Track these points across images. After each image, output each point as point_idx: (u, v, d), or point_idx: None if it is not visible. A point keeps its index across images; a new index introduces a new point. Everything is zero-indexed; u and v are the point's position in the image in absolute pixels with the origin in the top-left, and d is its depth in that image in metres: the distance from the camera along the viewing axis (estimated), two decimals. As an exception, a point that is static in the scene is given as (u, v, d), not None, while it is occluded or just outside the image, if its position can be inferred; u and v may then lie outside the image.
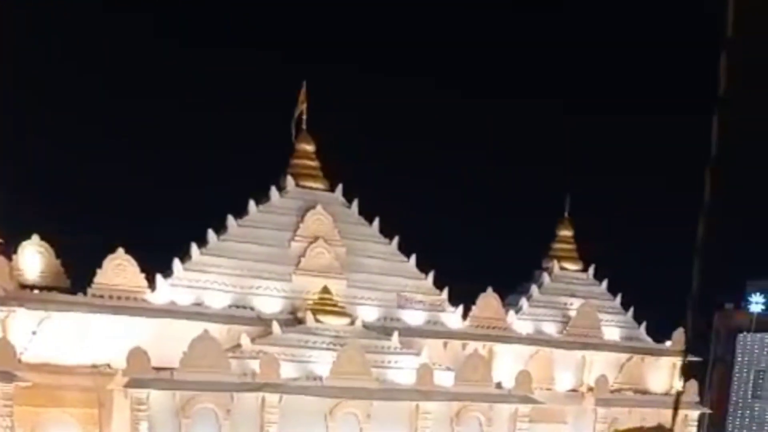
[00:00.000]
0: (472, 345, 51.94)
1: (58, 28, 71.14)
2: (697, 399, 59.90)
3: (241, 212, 48.99)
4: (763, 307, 79.39)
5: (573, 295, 58.10)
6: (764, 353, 75.55)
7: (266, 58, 76.18)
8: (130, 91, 73.73)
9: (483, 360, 50.61)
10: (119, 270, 44.54)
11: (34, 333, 42.59)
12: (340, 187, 51.01)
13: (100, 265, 44.43)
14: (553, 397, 54.08)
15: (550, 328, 56.70)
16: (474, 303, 53.60)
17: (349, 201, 51.20)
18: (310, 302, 47.83)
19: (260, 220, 48.94)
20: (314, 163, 51.11)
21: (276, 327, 45.76)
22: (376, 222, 51.61)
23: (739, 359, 77.33)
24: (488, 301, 53.91)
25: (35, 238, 44.64)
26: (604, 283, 60.10)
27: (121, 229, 53.00)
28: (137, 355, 41.35)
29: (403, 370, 47.55)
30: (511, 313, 55.82)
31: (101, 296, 43.83)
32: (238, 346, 45.03)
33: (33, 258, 44.53)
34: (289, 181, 50.04)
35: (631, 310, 59.98)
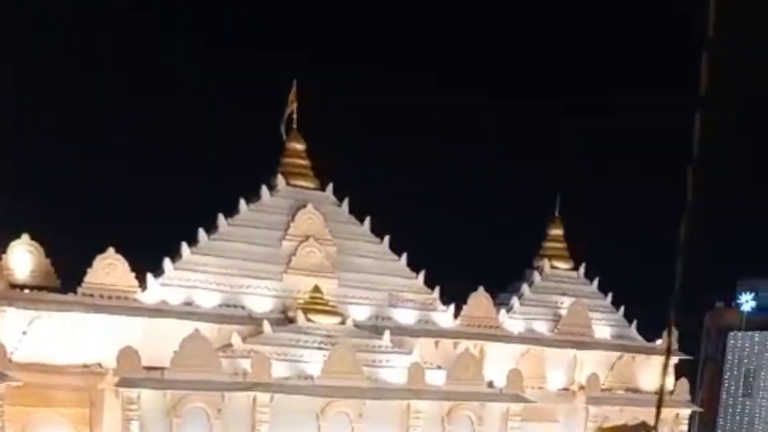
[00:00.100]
0: (464, 344, 51.92)
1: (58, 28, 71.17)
2: (688, 397, 60.02)
3: (231, 211, 48.93)
4: (753, 305, 79.58)
5: (564, 294, 58.15)
6: (755, 352, 75.71)
7: (259, 56, 76.18)
8: (122, 91, 73.68)
9: (474, 359, 50.61)
10: (110, 269, 44.41)
11: (24, 333, 42.41)
12: (330, 186, 51.00)
13: (90, 265, 44.31)
14: (545, 396, 54.09)
15: (542, 327, 56.73)
16: (465, 302, 53.58)
17: (340, 200, 51.18)
18: (301, 301, 47.76)
19: (251, 219, 48.88)
20: (305, 162, 51.08)
21: (267, 326, 45.69)
22: (367, 221, 51.62)
23: (730, 358, 77.49)
24: (479, 300, 53.92)
25: (25, 237, 44.43)
26: (595, 282, 60.17)
27: (112, 228, 52.92)
28: (128, 354, 41.22)
29: (394, 369, 47.49)
30: (503, 312, 55.83)
31: (92, 296, 43.66)
32: (229, 345, 44.94)
33: (23, 257, 44.33)
34: (280, 180, 50.01)
35: (622, 308, 60.05)
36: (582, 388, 55.86)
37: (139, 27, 75.59)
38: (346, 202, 51.13)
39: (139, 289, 45.01)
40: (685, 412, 59.45)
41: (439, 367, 49.29)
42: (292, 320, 47.00)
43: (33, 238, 44.54)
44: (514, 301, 56.87)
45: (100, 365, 42.92)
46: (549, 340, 56.32)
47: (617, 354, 57.90)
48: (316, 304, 47.65)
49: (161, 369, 42.00)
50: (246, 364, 43.79)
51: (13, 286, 43.07)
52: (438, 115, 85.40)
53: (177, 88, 75.00)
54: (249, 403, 43.64)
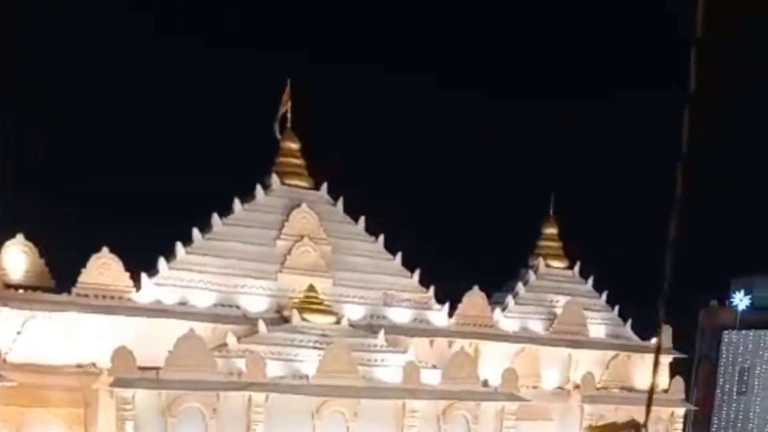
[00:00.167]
0: (459, 343, 51.91)
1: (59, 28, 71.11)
2: (683, 396, 60.06)
3: (226, 211, 48.91)
4: (747, 304, 79.71)
5: (559, 293, 58.18)
6: (749, 350, 75.84)
7: (258, 56, 76.12)
8: (121, 91, 73.57)
9: (469, 358, 50.60)
10: (104, 269, 44.33)
11: (18, 333, 42.34)
12: (325, 186, 50.98)
13: (84, 265, 44.24)
14: (540, 395, 54.12)
15: (536, 326, 56.75)
16: (460, 301, 53.55)
17: (335, 199, 51.16)
18: (296, 301, 47.73)
19: (245, 219, 48.87)
20: (299, 162, 51.06)
21: (262, 326, 45.65)
22: (362, 220, 51.61)
23: (724, 356, 77.60)
24: (474, 299, 53.89)
25: (19, 237, 44.29)
26: (590, 281, 60.21)
27: (106, 228, 52.86)
28: (122, 354, 41.13)
29: (389, 369, 47.48)
30: (498, 311, 55.84)
31: (86, 296, 43.59)
32: (224, 345, 44.89)
33: (17, 257, 44.20)
34: (275, 179, 49.99)
35: (617, 307, 60.12)
36: (577, 387, 55.87)
37: (139, 27, 75.52)
38: (340, 202, 51.13)
39: (133, 289, 44.94)
40: (680, 410, 59.45)
41: (434, 367, 49.27)
42: (287, 320, 46.97)
43: (27, 238, 44.41)
44: (509, 300, 56.90)
45: (94, 365, 42.84)
46: (544, 339, 56.33)
47: (612, 353, 57.91)
48: (310, 304, 47.60)
49: (156, 369, 41.90)
50: (241, 363, 43.74)
51: (8, 286, 42.93)
52: (433, 115, 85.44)
53: (176, 89, 74.99)
54: (244, 402, 43.58)
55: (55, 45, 71.13)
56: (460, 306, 53.38)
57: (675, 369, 60.43)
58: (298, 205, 49.35)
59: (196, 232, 47.38)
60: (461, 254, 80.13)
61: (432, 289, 52.52)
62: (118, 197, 69.49)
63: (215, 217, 48.11)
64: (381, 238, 51.83)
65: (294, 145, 50.77)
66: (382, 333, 48.41)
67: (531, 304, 57.37)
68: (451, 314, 52.92)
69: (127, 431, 41.12)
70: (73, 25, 70.98)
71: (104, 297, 43.84)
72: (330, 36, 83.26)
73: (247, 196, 49.70)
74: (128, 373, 41.14)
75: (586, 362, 56.95)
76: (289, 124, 50.57)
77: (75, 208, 62.97)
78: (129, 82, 74.93)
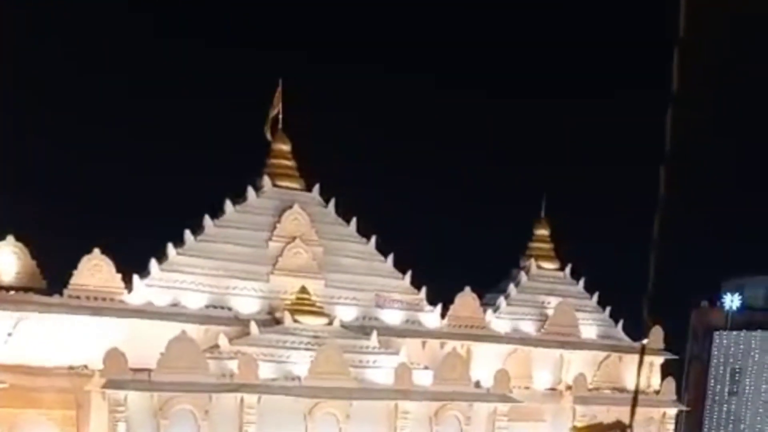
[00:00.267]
0: (451, 344, 51.93)
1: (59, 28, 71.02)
2: (675, 397, 60.19)
3: (217, 212, 48.84)
4: (738, 305, 79.85)
5: (550, 294, 58.23)
6: (740, 351, 75.95)
7: (249, 55, 76.02)
8: (119, 91, 73.44)
9: (461, 359, 50.62)
10: (95, 270, 44.29)
11: (9, 334, 42.30)
12: (317, 187, 50.94)
13: (76, 266, 44.17)
14: (532, 396, 54.18)
15: (528, 327, 56.77)
16: (452, 302, 53.56)
17: (326, 201, 51.12)
18: (288, 302, 47.72)
19: (237, 220, 48.82)
20: (291, 163, 51.04)
21: (254, 327, 45.61)
22: (353, 222, 51.58)
23: (716, 357, 77.72)
24: (466, 300, 53.91)
25: (10, 238, 44.14)
26: (581, 282, 60.25)
27: (97, 229, 52.65)
28: (114, 356, 41.11)
29: (381, 370, 47.48)
30: (489, 312, 55.86)
31: (77, 297, 43.57)
32: (216, 346, 44.88)
33: (8, 259, 44.05)
34: (266, 181, 49.95)
35: (608, 308, 60.17)
36: (569, 387, 55.94)
37: (139, 27, 75.38)
38: (332, 203, 51.11)
39: (125, 291, 44.91)
40: (672, 411, 59.62)
41: (426, 368, 49.28)
42: (279, 321, 46.93)
43: (18, 239, 44.27)
44: (501, 301, 56.92)
45: (86, 367, 42.77)
46: (536, 340, 56.35)
47: (604, 354, 57.97)
48: (302, 305, 47.58)
49: (148, 370, 41.89)
50: (233, 365, 43.72)
51: (-1, 287, 42.93)
52: (426, 117, 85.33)
53: (171, 89, 74.83)
54: (236, 404, 43.58)
55: (55, 45, 70.97)
56: (452, 307, 53.42)
57: (667, 370, 60.56)
58: (290, 207, 49.31)
59: (187, 233, 47.32)
60: (453, 256, 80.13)
61: (424, 290, 52.55)
62: (109, 199, 69.36)
63: (207, 218, 48.06)
64: (373, 239, 51.83)
65: (285, 147, 50.73)
66: (374, 334, 48.40)
67: (523, 306, 57.38)
68: (443, 315, 52.97)
69: (119, 433, 41.21)
70: (73, 25, 70.93)
71: (96, 298, 43.79)
72: (323, 36, 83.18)
73: (239, 197, 49.64)
74: (120, 374, 41.11)
75: (578, 363, 57.02)
76: (280, 126, 50.48)
77: (66, 209, 62.83)
78: (128, 82, 74.87)
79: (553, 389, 56.47)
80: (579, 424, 54.54)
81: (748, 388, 75.17)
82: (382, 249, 52.17)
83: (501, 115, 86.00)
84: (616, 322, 59.98)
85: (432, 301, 52.81)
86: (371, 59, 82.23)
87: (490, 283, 59.78)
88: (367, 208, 53.02)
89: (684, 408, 63.74)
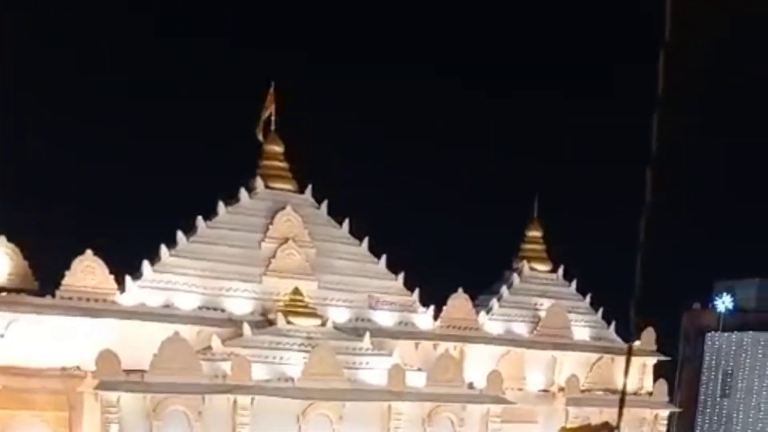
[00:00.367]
0: (444, 346, 51.91)
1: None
2: (667, 398, 60.26)
3: (210, 214, 48.73)
4: (730, 306, 79.92)
5: (543, 296, 58.26)
6: (732, 352, 76.03)
7: (237, 54, 75.90)
8: (118, 91, 73.29)
9: (454, 360, 50.65)
10: (88, 271, 44.16)
11: (1, 336, 42.14)
12: (309, 189, 50.86)
13: (68, 267, 44.05)
14: (525, 397, 54.18)
15: (521, 329, 56.78)
16: (445, 304, 53.57)
17: (319, 202, 51.06)
18: (281, 303, 47.65)
19: (230, 222, 48.72)
20: (283, 165, 50.95)
21: (247, 328, 45.53)
22: (346, 223, 51.54)
23: (708, 358, 77.78)
24: (459, 301, 53.91)
25: (2, 239, 43.92)
26: (574, 284, 60.27)
27: (90, 230, 52.43)
28: (107, 357, 41.03)
29: (374, 371, 47.48)
30: (482, 313, 55.88)
31: (70, 298, 43.44)
32: (209, 347, 44.81)
33: (0, 260, 43.97)
34: (259, 182, 49.85)
35: (601, 310, 60.19)
36: (561, 389, 56.00)
37: (139, 27, 75.18)
38: (324, 205, 51.02)
39: (117, 292, 44.78)
40: (664, 412, 59.70)
41: (420, 369, 49.31)
42: (271, 322, 46.85)
43: (10, 240, 44.14)
44: (494, 302, 56.93)
45: (78, 368, 42.63)
46: (528, 341, 56.38)
47: (596, 355, 58.02)
48: (295, 307, 47.53)
49: (141, 372, 41.84)
50: (226, 366, 43.67)
51: (-9, 288, 42.80)
52: (420, 117, 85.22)
53: (169, 89, 74.63)
54: (229, 405, 43.55)
55: (55, 45, 70.78)
56: (444, 309, 53.42)
57: (659, 371, 60.61)
58: (283, 208, 49.25)
59: (180, 234, 47.21)
60: (446, 257, 79.95)
61: (417, 291, 52.51)
62: (101, 200, 69.11)
63: (199, 219, 47.93)
64: (365, 241, 51.77)
65: (278, 148, 50.65)
66: (367, 336, 48.38)
67: (515, 307, 57.39)
68: (435, 317, 52.98)
69: (111, 434, 41.10)
70: (74, 25, 70.83)
71: (88, 299, 43.67)
72: (319, 36, 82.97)
73: (231, 198, 49.55)
74: (113, 376, 41.05)
75: (571, 365, 57.07)
76: (273, 127, 50.41)
77: (58, 210, 62.59)
78: (125, 83, 74.63)
79: (545, 391, 56.51)
80: (567, 426, 54.63)
81: (740, 389, 75.22)
82: (375, 250, 52.12)
83: (494, 115, 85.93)
84: (609, 323, 60.00)
85: (425, 302, 52.81)
86: (365, 59, 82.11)
87: (483, 285, 59.80)
88: (360, 210, 53.03)
89: (676, 409, 63.81)
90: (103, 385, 40.93)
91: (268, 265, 48.48)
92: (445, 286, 54.57)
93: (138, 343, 42.69)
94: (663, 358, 60.60)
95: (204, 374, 43.13)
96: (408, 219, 77.03)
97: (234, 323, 46.29)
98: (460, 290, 54.10)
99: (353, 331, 49.15)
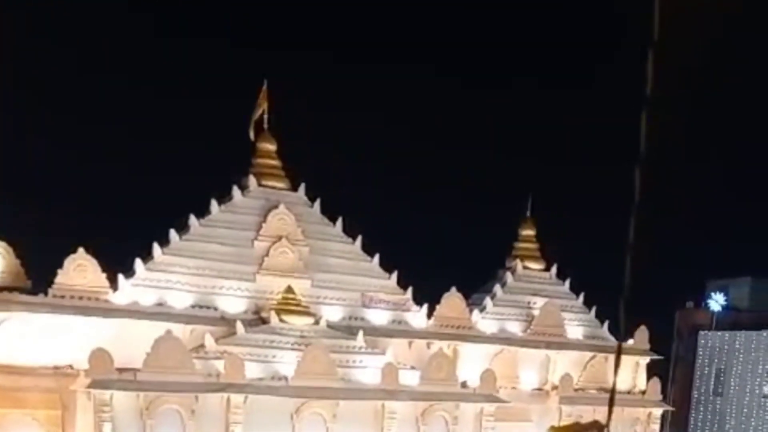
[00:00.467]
0: (437, 344, 51.82)
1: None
2: (660, 397, 60.31)
3: (203, 212, 48.65)
4: (723, 305, 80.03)
5: (536, 295, 58.23)
6: (725, 351, 76.09)
7: (234, 53, 75.88)
8: (119, 91, 73.24)
9: (448, 359, 50.59)
10: (80, 270, 43.98)
11: (-6, 334, 42.06)
12: (302, 187, 50.78)
13: (60, 266, 43.90)
14: (518, 396, 54.13)
15: (514, 327, 56.76)
16: (438, 302, 53.52)
17: (312, 200, 50.99)
18: (274, 302, 47.54)
19: (223, 220, 48.60)
20: (276, 163, 50.84)
21: (240, 327, 45.43)
22: (339, 221, 51.46)
23: (701, 357, 77.84)
24: (452, 300, 53.85)
25: (-6, 238, 43.98)
26: (567, 283, 60.29)
27: (82, 228, 52.25)
28: (100, 356, 40.89)
29: (368, 370, 47.40)
30: (476, 312, 55.83)
31: (62, 297, 43.20)
32: (202, 346, 44.68)
33: (-7, 258, 43.91)
34: (252, 180, 49.75)
35: (594, 308, 60.21)
36: (555, 388, 56.00)
37: (139, 27, 75.10)
38: (318, 203, 50.93)
39: (110, 290, 44.61)
40: (657, 411, 59.76)
41: (413, 368, 49.25)
42: (265, 321, 46.76)
43: (2, 238, 43.97)
44: (487, 301, 56.88)
45: (71, 367, 42.52)
46: (522, 340, 56.35)
47: (590, 354, 58.00)
48: (289, 305, 47.44)
49: (134, 370, 41.71)
50: (219, 365, 43.57)
51: (-17, 287, 42.63)
52: (413, 115, 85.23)
53: (163, 88, 74.63)
54: (222, 404, 43.44)
55: (55, 44, 70.66)
56: (438, 307, 53.33)
57: (652, 370, 60.64)
58: (276, 207, 49.14)
59: (173, 233, 47.08)
60: (439, 256, 79.98)
61: (410, 290, 52.44)
62: (94, 198, 69.04)
63: (192, 218, 47.82)
64: (359, 239, 51.70)
65: (271, 147, 50.57)
66: (360, 334, 48.30)
67: (509, 306, 57.38)
68: (429, 316, 52.88)
69: (104, 433, 40.99)
70: (73, 24, 70.77)
71: (81, 298, 43.50)
72: (316, 36, 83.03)
73: (224, 197, 49.47)
74: (106, 374, 40.90)
75: (564, 363, 57.06)
76: (266, 126, 50.34)
77: (50, 208, 62.50)
78: (122, 83, 74.62)
79: (539, 389, 56.50)
80: (556, 425, 54.63)
81: (733, 388, 75.28)
82: (368, 249, 52.08)
83: (488, 114, 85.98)
84: (602, 322, 60.00)
85: (418, 301, 52.72)
86: (358, 57, 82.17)
87: (477, 284, 59.87)
88: (354, 208, 53.01)
89: (669, 408, 63.90)
90: (96, 384, 40.78)
91: (262, 264, 48.37)
92: (439, 285, 54.60)
93: (131, 342, 42.54)
94: (656, 356, 60.66)
95: (197, 373, 42.99)
96: (401, 217, 77.08)
97: (227, 322, 46.18)
98: (454, 289, 54.03)
99: (347, 329, 49.05)
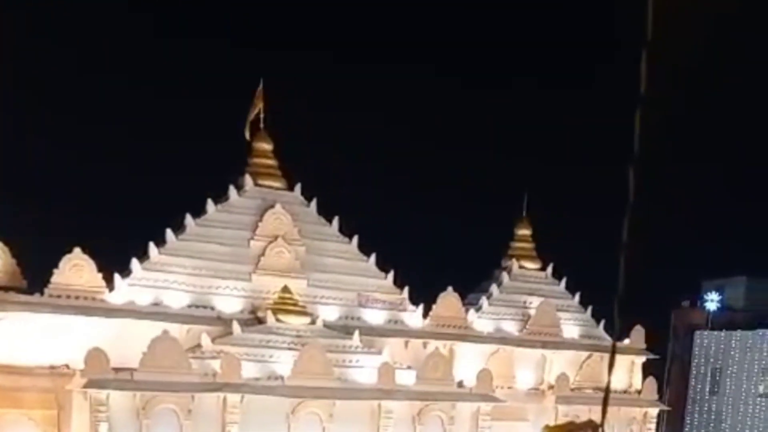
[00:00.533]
0: (433, 344, 51.80)
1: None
2: (656, 396, 60.33)
3: (199, 212, 48.64)
4: (718, 305, 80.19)
5: (532, 294, 58.22)
6: (721, 350, 76.23)
7: (231, 53, 75.92)
8: (119, 90, 73.25)
9: (444, 359, 50.56)
10: (76, 270, 43.98)
11: (-11, 334, 42.04)
12: (298, 187, 50.78)
13: (57, 265, 43.87)
14: (514, 396, 54.13)
15: (510, 327, 56.77)
16: (434, 302, 53.51)
17: (308, 200, 50.98)
18: (271, 302, 47.50)
19: (219, 220, 48.60)
20: (272, 162, 50.86)
21: (236, 327, 45.41)
22: (336, 221, 51.46)
23: (697, 356, 78.01)
24: (448, 300, 53.84)
25: (-9, 238, 43.96)
26: (563, 282, 60.29)
27: (79, 228, 52.29)
28: (96, 355, 40.85)
29: (364, 370, 47.38)
30: (472, 311, 55.85)
31: (58, 296, 43.21)
32: (199, 346, 44.68)
33: (-11, 258, 43.89)
34: (248, 180, 49.76)
35: (590, 308, 60.22)
36: (551, 387, 55.98)
37: (139, 27, 75.16)
38: (314, 203, 50.94)
39: (106, 290, 44.61)
40: (654, 411, 59.74)
41: (409, 367, 49.22)
42: (261, 321, 46.75)
43: (-1, 238, 44.03)
44: (483, 301, 56.87)
45: (67, 366, 42.49)
46: (518, 339, 56.32)
47: (586, 353, 57.96)
48: (285, 305, 47.42)
49: (130, 370, 41.68)
50: (216, 364, 43.55)
51: (-21, 287, 42.61)
52: (410, 115, 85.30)
53: (160, 88, 74.67)
54: (219, 403, 43.42)
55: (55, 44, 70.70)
56: (434, 307, 53.34)
57: (648, 369, 60.68)
58: (272, 206, 49.13)
59: (169, 233, 47.06)
60: (435, 256, 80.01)
61: (406, 290, 52.43)
62: (91, 198, 69.05)
63: (188, 217, 47.84)
64: (355, 239, 51.70)
65: (267, 146, 50.57)
66: (356, 334, 48.30)
67: (505, 305, 57.37)
68: (425, 315, 52.89)
69: (101, 433, 40.97)
70: (74, 25, 70.85)
71: (77, 298, 43.48)
72: (315, 36, 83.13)
73: (221, 196, 49.46)
74: (102, 374, 40.87)
75: (560, 363, 57.06)
76: (262, 125, 50.32)
77: (47, 207, 62.50)
78: (128, 81, 74.71)
79: (535, 389, 56.49)
80: (550, 424, 54.64)
81: (728, 387, 75.46)
82: (365, 249, 52.07)
83: (484, 114, 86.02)
84: (598, 322, 60.00)
85: (414, 300, 52.73)
86: (358, 57, 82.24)
87: (473, 283, 59.84)
88: (350, 208, 53.00)
89: (665, 407, 63.94)
90: (92, 384, 40.76)
91: (258, 263, 48.37)
92: (435, 285, 54.59)
93: (127, 342, 42.60)
94: (652, 356, 60.68)
95: (194, 372, 42.98)
96: (397, 217, 77.16)
97: (223, 321, 46.17)
98: (450, 288, 54.03)
99: (343, 329, 49.03)
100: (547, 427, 54.03)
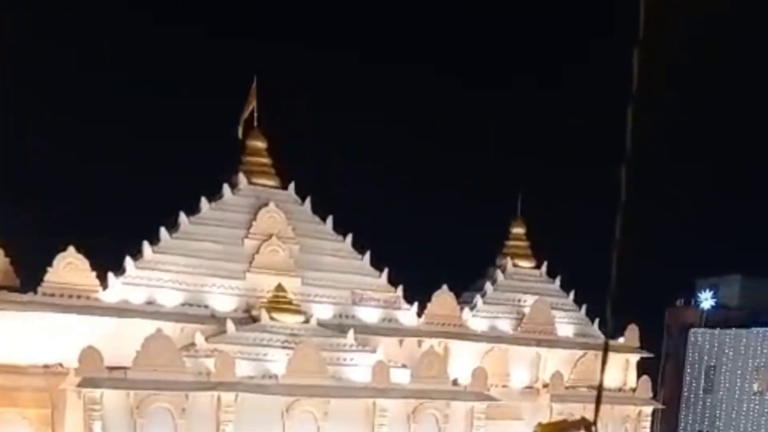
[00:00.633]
0: (428, 342, 51.78)
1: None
2: (650, 395, 60.38)
3: (193, 210, 48.58)
4: (713, 303, 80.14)
5: (527, 293, 58.16)
6: (715, 349, 76.21)
7: (230, 47, 75.79)
8: (118, 89, 73.16)
9: (438, 357, 50.57)
10: (70, 268, 43.89)
11: (-18, 333, 41.96)
12: (292, 185, 50.74)
13: (50, 264, 43.80)
14: (509, 394, 54.14)
15: (505, 325, 56.76)
16: (429, 300, 53.50)
17: (302, 198, 50.94)
18: (265, 300, 47.44)
19: (213, 218, 48.53)
20: (266, 161, 50.78)
21: (230, 325, 45.37)
22: (330, 219, 51.42)
23: (691, 355, 77.94)
24: (443, 298, 53.82)
25: (-17, 237, 43.86)
26: (557, 281, 60.30)
27: (72, 226, 52.14)
28: (89, 354, 40.79)
29: (359, 368, 47.35)
30: (466, 310, 55.80)
31: (52, 295, 43.08)
32: (193, 344, 44.62)
33: (-19, 257, 43.79)
34: (242, 178, 49.69)
35: (584, 306, 60.22)
36: (546, 386, 56.00)
37: (139, 26, 75.01)
38: (308, 201, 50.88)
39: (100, 289, 44.53)
40: (648, 409, 59.81)
41: (404, 366, 49.19)
42: (255, 319, 46.71)
43: (-8, 238, 43.93)
44: (478, 299, 56.84)
45: (61, 365, 42.44)
46: (513, 338, 56.30)
47: (580, 352, 57.96)
48: (279, 303, 47.36)
49: (124, 369, 41.62)
50: (210, 363, 43.49)
51: (-28, 286, 42.52)
52: (404, 112, 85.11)
53: (158, 87, 74.60)
54: (213, 402, 43.36)
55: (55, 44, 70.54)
56: (429, 305, 53.29)
57: (642, 368, 60.71)
58: (266, 205, 49.07)
59: (163, 231, 47.01)
60: (430, 254, 79.96)
61: (400, 288, 52.41)
62: (83, 196, 68.90)
63: (182, 216, 47.76)
64: (349, 237, 51.67)
65: (261, 144, 50.51)
66: (351, 332, 48.27)
67: (499, 304, 57.34)
68: (420, 314, 52.86)
69: (95, 432, 40.89)
70: (73, 24, 70.71)
71: (71, 296, 43.38)
72: (314, 35, 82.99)
73: (214, 195, 49.40)
74: (96, 373, 40.80)
75: (555, 361, 57.05)
76: (256, 123, 50.28)
77: (40, 206, 62.38)
78: (128, 80, 74.59)
79: (530, 387, 56.47)
80: (543, 422, 54.63)
81: (723, 385, 75.38)
82: (359, 247, 52.06)
83: (479, 113, 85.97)
84: (593, 320, 60.02)
85: (409, 299, 52.70)
86: (358, 57, 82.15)
87: (467, 282, 59.78)
88: (344, 206, 53.01)
89: (660, 406, 63.95)
90: (86, 383, 40.67)
91: (252, 262, 48.30)
92: (429, 283, 54.58)
93: (121, 340, 42.43)
94: (646, 354, 60.72)
95: (188, 371, 42.90)
96: (392, 215, 76.96)
97: (217, 320, 46.12)
98: (444, 287, 53.97)
99: (337, 327, 48.98)
100: (539, 424, 53.95)
